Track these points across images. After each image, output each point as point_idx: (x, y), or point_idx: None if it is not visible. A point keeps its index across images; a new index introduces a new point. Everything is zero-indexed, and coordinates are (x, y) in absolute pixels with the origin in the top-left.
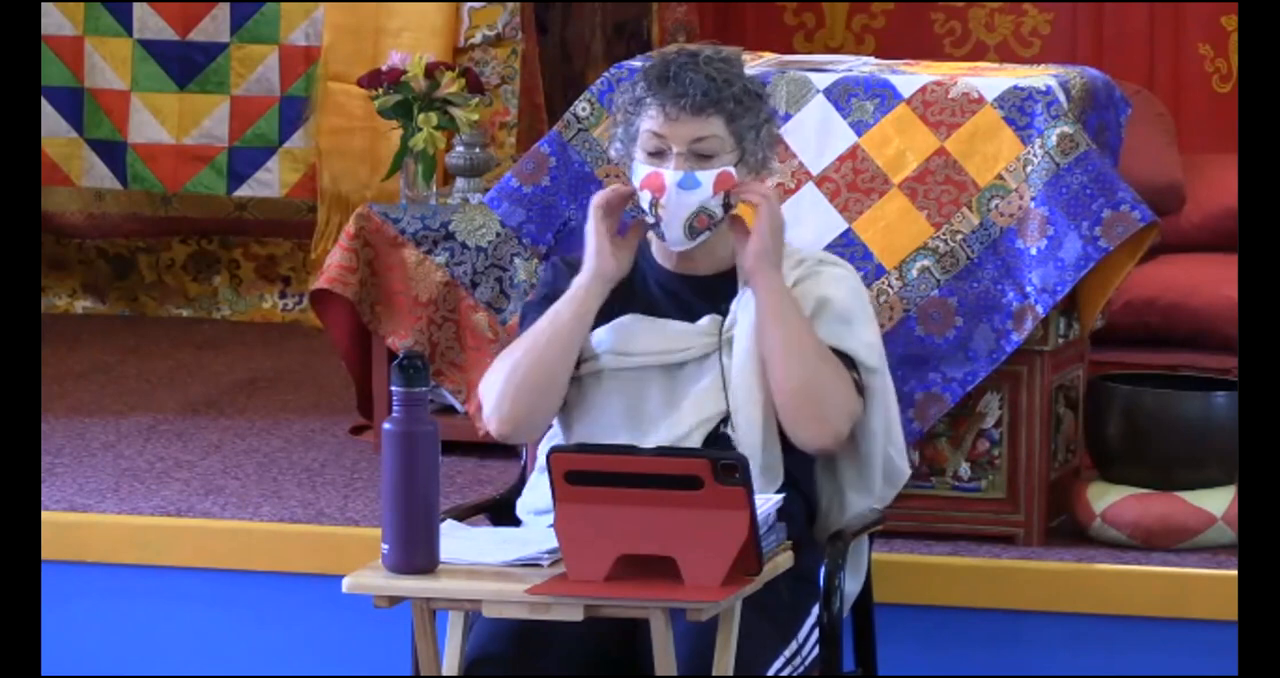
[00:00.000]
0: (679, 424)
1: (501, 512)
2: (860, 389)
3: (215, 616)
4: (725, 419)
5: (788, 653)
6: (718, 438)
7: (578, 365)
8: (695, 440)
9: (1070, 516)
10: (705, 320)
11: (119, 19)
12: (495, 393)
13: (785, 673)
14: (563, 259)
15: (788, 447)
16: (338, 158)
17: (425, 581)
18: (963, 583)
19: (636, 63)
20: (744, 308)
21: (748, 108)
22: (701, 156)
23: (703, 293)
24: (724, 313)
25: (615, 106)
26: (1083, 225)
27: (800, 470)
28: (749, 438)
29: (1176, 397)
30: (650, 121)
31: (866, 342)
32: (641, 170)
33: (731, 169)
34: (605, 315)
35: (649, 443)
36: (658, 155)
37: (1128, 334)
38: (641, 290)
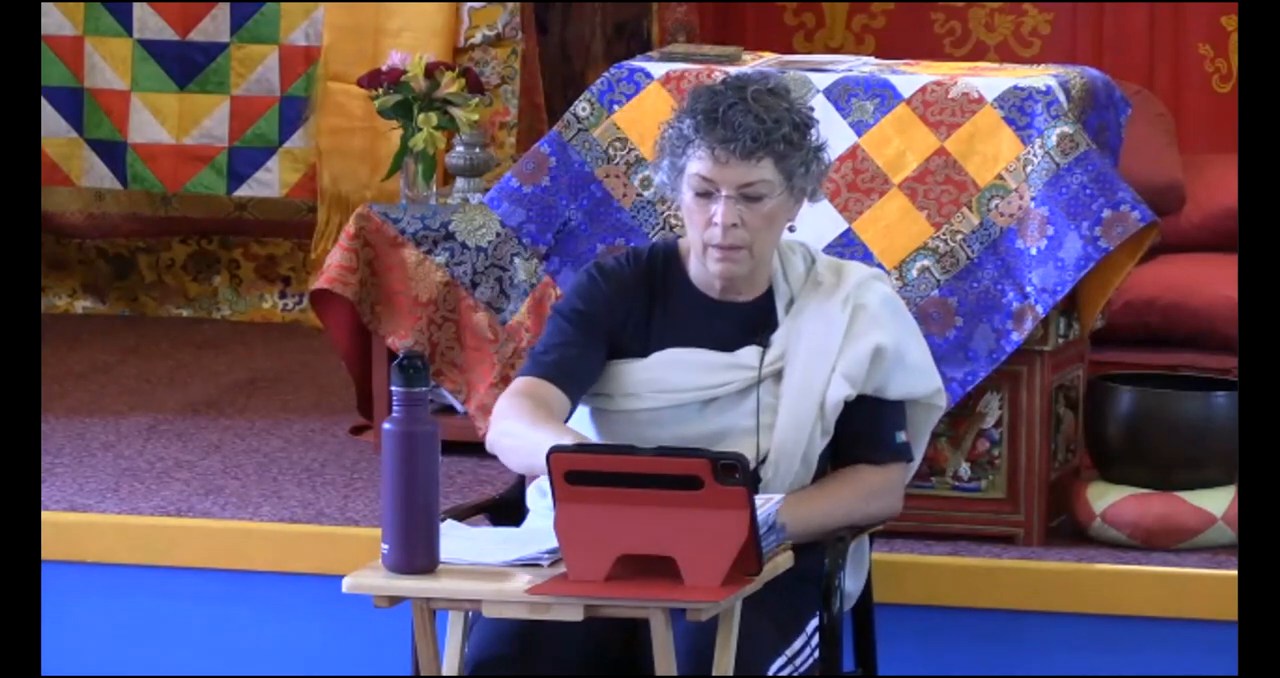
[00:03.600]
0: None
1: (501, 512)
2: (908, 453)
3: (215, 616)
4: (764, 458)
5: (789, 653)
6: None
7: (611, 398)
8: None
9: (1070, 515)
10: (746, 352)
11: (119, 19)
12: (494, 433)
13: (785, 673)
14: (598, 268)
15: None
16: (338, 158)
17: (425, 581)
18: (963, 583)
19: (637, 63)
20: (795, 347)
21: (797, 145)
22: (751, 198)
23: (742, 320)
24: (763, 343)
25: (661, 137)
26: (1083, 225)
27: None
28: (780, 484)
29: (1176, 397)
30: (699, 164)
31: (924, 367)
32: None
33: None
34: (642, 343)
35: None
36: (706, 196)
37: (1128, 334)
38: (678, 317)
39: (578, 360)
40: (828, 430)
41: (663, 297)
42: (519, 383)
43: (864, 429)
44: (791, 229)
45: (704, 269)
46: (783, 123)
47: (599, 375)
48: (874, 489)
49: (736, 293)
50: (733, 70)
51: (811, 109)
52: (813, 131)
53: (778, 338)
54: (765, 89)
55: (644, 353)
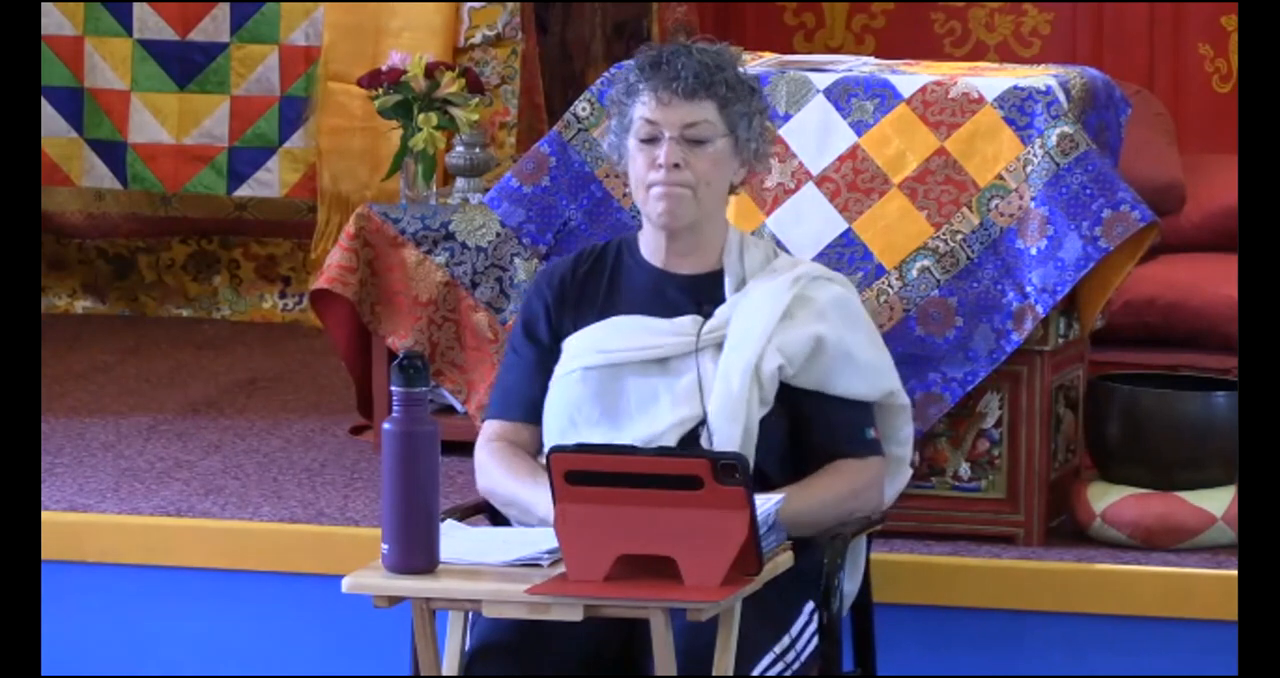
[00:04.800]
0: (656, 422)
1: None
2: (880, 449)
3: (215, 616)
4: (702, 422)
5: (778, 649)
6: (694, 441)
7: (560, 364)
8: (670, 440)
9: (1070, 516)
10: (686, 319)
11: (119, 19)
12: (482, 486)
13: (776, 670)
14: (542, 272)
15: (762, 453)
16: (338, 158)
17: (425, 581)
18: (963, 583)
19: None
20: (738, 316)
21: (740, 95)
22: (694, 142)
23: (688, 291)
24: (706, 315)
25: (609, 101)
26: (1083, 225)
27: (782, 478)
28: (719, 448)
29: (1176, 397)
30: (643, 108)
31: (878, 368)
32: (636, 165)
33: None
34: (589, 314)
35: (625, 439)
36: (651, 141)
37: (1128, 334)
38: (626, 288)
39: (538, 388)
40: (766, 401)
41: (614, 272)
42: (489, 428)
43: (830, 424)
44: (734, 190)
45: (651, 229)
46: (725, 69)
47: None
48: (857, 482)
49: (682, 262)
50: None
51: (765, 82)
52: (757, 93)
53: (721, 310)
54: (710, 47)
55: (596, 320)
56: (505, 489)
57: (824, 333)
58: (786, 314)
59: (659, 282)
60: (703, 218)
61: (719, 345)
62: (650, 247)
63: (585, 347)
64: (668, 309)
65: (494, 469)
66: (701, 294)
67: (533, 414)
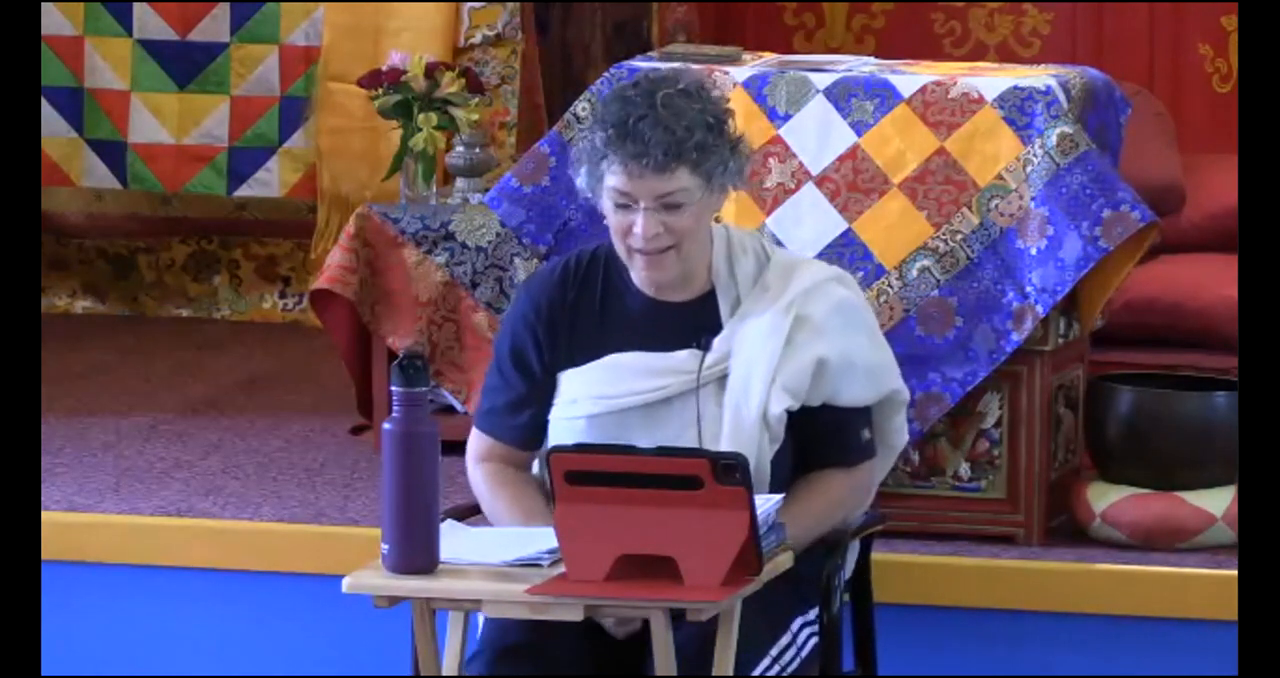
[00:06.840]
0: None
1: None
2: (873, 450)
3: (215, 616)
4: None
5: (774, 652)
6: None
7: (557, 407)
8: None
9: (1070, 516)
10: (684, 354)
11: (119, 19)
12: (477, 496)
13: (773, 672)
14: (526, 287)
15: (773, 487)
16: (338, 158)
17: (425, 581)
18: (963, 583)
19: (637, 63)
20: (739, 352)
21: (712, 149)
22: (670, 207)
23: (684, 320)
24: (704, 346)
25: (576, 145)
26: (1083, 225)
27: (788, 478)
28: None
29: (1176, 397)
30: (614, 178)
31: (878, 368)
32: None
33: None
34: (583, 347)
35: None
36: (626, 207)
37: (1128, 334)
38: (620, 318)
39: (530, 416)
40: (776, 438)
41: (605, 298)
42: (481, 444)
43: (827, 435)
44: (718, 219)
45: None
46: (695, 129)
47: (549, 403)
48: (845, 495)
49: (674, 291)
50: (664, 66)
51: (726, 100)
52: (729, 126)
53: (719, 341)
54: (675, 92)
55: (591, 355)
56: (501, 519)
57: (825, 353)
58: (787, 342)
59: (653, 312)
60: (688, 261)
61: (721, 380)
62: (639, 278)
63: (585, 391)
64: (665, 341)
65: (494, 501)
66: (698, 320)
67: (524, 440)
